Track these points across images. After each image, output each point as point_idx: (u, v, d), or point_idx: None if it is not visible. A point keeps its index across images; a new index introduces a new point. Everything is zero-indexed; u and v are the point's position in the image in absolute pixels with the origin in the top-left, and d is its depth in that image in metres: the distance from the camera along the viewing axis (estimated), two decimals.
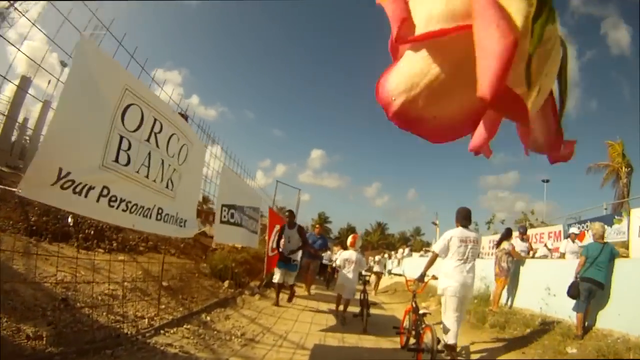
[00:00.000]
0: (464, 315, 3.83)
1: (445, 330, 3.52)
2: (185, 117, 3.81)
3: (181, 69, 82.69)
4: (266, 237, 6.61)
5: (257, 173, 48.68)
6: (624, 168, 15.62)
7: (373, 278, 12.00)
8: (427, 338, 3.12)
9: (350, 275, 5.16)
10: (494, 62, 0.30)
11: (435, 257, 3.80)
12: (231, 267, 5.88)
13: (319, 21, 75.54)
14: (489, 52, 0.31)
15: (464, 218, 3.74)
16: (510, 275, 5.91)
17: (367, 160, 79.49)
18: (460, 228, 3.69)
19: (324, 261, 10.79)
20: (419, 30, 0.36)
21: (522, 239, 6.88)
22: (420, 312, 3.42)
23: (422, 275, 3.75)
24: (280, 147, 77.43)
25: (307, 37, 79.28)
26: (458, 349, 3.73)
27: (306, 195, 70.08)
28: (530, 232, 10.46)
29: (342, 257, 5.32)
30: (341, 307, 5.31)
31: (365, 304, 4.84)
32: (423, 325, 3.27)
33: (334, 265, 6.73)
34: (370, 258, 28.64)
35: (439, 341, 3.14)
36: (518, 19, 0.33)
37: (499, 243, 6.32)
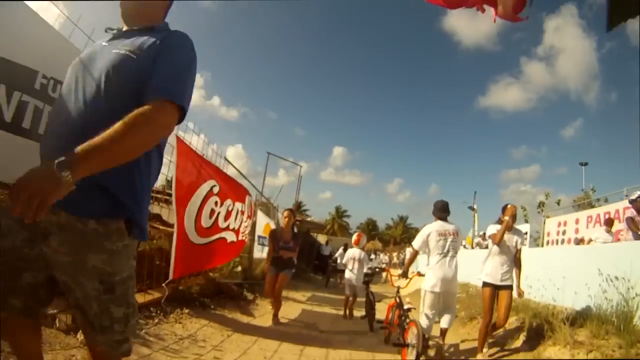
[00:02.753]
0: (453, 313, 3.65)
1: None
2: None
3: (202, 72, 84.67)
4: (173, 198, 3.19)
5: (279, 171, 48.58)
6: None
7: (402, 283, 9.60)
8: (411, 333, 3.05)
9: (355, 274, 5.30)
10: None
11: (415, 253, 3.76)
12: None
13: (339, 17, 73.92)
14: None
15: (441, 211, 3.63)
16: None
17: (389, 157, 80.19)
18: (438, 221, 3.59)
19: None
20: None
21: None
22: (405, 307, 3.38)
23: (405, 272, 3.71)
24: (302, 146, 78.04)
25: (327, 34, 79.25)
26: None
27: (328, 193, 70.39)
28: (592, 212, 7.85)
29: (348, 256, 5.51)
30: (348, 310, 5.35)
31: (370, 303, 4.73)
32: (408, 321, 3.20)
33: (341, 263, 6.40)
34: (395, 254, 24.93)
35: (424, 336, 3.01)
36: None
37: None
